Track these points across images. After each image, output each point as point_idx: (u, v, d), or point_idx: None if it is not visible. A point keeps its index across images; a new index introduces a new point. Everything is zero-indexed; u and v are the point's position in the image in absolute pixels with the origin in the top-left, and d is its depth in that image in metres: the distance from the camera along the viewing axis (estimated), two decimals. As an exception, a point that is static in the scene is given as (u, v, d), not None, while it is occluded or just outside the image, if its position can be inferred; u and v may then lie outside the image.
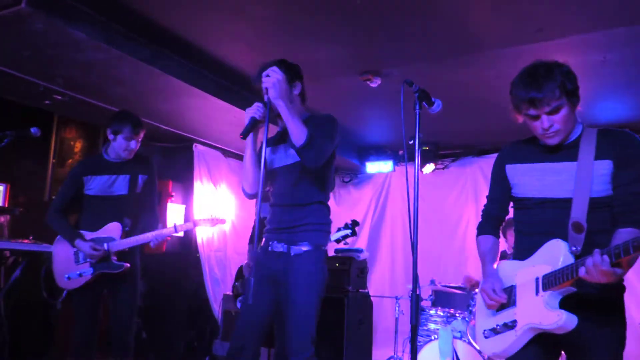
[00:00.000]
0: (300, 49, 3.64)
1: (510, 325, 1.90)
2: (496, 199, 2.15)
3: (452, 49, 3.59)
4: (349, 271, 4.95)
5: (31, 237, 4.05)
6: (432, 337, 3.72)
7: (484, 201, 2.23)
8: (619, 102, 4.48)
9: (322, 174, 2.35)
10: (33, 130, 3.15)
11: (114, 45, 3.39)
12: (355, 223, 3.66)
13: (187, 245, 5.62)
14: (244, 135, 2.24)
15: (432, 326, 3.96)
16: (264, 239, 2.44)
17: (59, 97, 4.28)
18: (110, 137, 3.04)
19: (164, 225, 3.26)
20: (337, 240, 3.70)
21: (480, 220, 2.22)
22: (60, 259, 3.06)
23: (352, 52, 3.73)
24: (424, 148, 5.81)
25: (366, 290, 5.24)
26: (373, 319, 5.34)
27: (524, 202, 2.00)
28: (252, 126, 2.25)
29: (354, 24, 3.30)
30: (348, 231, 3.61)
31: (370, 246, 6.47)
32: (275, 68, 2.21)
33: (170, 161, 5.79)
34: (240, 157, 5.58)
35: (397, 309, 4.45)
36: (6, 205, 4.43)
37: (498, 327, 1.95)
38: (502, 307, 1.97)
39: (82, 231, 3.03)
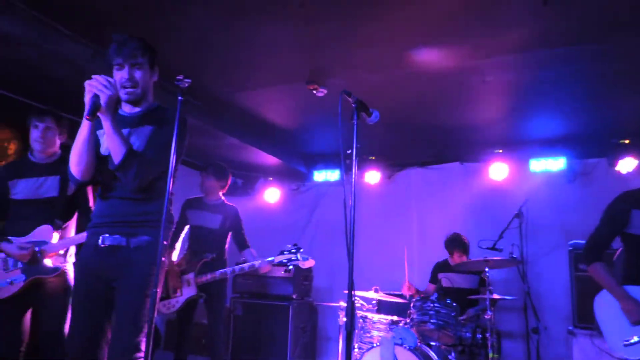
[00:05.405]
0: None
1: None
2: (609, 234, 2.72)
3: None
4: (293, 279, 4.95)
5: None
6: (375, 344, 3.77)
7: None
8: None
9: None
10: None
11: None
12: (298, 248, 3.73)
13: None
14: (92, 117, 2.00)
15: (375, 333, 4.02)
16: (91, 234, 2.20)
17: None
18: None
19: None
20: (282, 263, 3.72)
21: (590, 246, 2.73)
22: (-13, 267, 2.87)
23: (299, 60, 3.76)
24: (370, 158, 5.88)
25: (310, 298, 5.25)
26: (318, 326, 5.36)
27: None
28: (99, 106, 2.00)
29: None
30: (293, 255, 3.66)
31: (316, 254, 6.44)
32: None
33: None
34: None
35: (340, 316, 4.47)
36: None
37: None
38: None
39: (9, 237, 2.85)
